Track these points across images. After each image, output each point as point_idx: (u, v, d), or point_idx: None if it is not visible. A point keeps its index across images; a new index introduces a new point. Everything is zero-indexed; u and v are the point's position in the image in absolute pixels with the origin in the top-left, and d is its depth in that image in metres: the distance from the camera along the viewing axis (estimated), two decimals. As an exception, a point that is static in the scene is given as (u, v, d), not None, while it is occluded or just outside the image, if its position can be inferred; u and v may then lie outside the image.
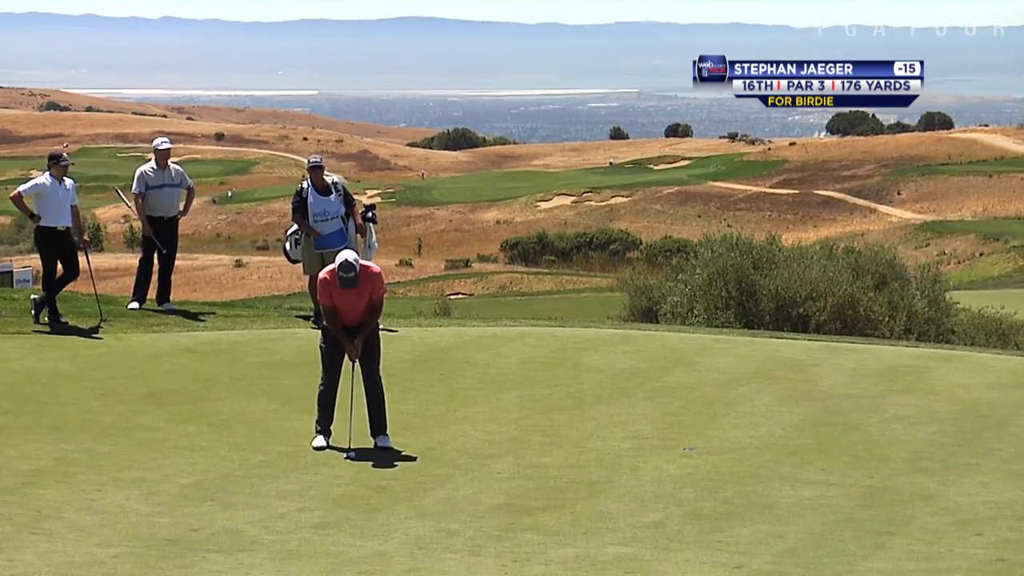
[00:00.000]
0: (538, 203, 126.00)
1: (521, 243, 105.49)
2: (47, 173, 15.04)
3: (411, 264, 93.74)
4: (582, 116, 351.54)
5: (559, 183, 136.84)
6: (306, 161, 15.91)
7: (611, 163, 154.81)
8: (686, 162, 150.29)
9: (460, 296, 75.94)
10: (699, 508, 9.41)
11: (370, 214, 15.85)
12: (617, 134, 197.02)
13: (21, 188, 15.05)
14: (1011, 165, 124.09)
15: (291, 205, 15.49)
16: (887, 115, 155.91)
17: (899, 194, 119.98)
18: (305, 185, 15.42)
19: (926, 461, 10.64)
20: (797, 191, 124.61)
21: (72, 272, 15.19)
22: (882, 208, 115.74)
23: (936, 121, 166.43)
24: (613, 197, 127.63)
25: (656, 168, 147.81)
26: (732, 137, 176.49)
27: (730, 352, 15.03)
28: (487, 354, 14.47)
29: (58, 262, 15.15)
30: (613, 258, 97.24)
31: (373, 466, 10.55)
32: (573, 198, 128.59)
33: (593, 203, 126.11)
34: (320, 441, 11.03)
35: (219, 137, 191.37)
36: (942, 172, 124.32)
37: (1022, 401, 12.80)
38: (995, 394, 13.07)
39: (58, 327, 14.81)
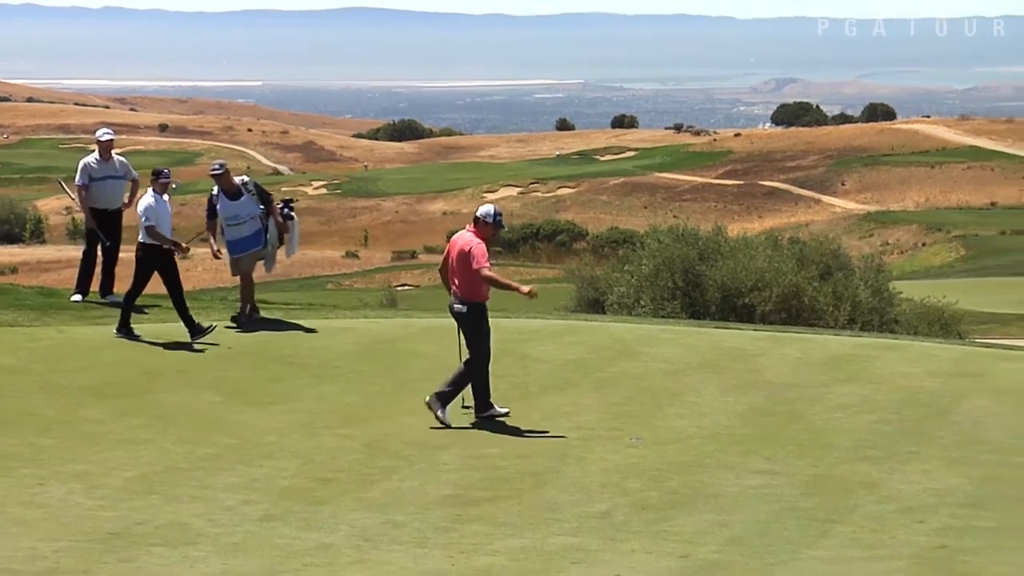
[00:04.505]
0: (484, 194, 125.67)
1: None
2: (150, 190, 14.90)
3: (357, 255, 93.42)
4: (528, 107, 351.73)
5: (505, 174, 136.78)
6: (214, 166, 15.65)
7: (557, 154, 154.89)
8: (632, 153, 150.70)
9: (407, 287, 75.77)
10: (645, 498, 9.45)
11: (286, 209, 15.68)
12: (563, 125, 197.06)
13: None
14: (952, 156, 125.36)
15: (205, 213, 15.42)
16: (830, 106, 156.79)
17: (843, 185, 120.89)
18: (215, 191, 15.35)
19: (869, 449, 10.73)
20: (742, 182, 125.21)
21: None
22: (826, 199, 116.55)
23: (878, 112, 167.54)
24: (559, 188, 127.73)
25: (602, 159, 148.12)
26: (677, 128, 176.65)
27: (676, 342, 15.09)
28: (434, 346, 14.42)
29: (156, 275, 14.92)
30: (560, 249, 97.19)
31: (318, 458, 10.52)
32: (519, 189, 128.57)
33: (539, 194, 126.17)
34: (503, 409, 11.80)
35: (163, 128, 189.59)
36: (885, 163, 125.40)
37: (963, 390, 12.93)
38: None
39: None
